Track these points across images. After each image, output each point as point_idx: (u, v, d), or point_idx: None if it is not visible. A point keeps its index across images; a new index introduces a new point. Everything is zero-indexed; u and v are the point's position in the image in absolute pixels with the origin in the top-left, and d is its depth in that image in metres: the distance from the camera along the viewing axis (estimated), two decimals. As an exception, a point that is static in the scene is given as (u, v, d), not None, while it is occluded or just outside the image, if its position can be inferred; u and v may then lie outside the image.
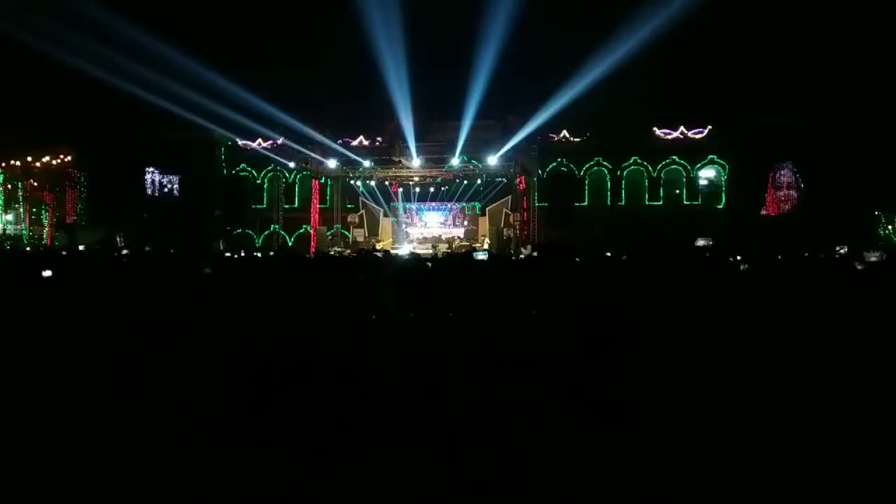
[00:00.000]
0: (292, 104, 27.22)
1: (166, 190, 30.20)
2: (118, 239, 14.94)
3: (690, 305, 3.62)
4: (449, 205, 30.16)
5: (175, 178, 30.24)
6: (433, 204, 30.28)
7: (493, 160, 26.57)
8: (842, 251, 16.50)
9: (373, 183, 29.60)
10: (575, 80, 23.69)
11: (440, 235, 29.41)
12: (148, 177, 29.69)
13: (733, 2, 25.20)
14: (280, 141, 29.82)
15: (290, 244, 29.90)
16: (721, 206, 28.68)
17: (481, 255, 8.98)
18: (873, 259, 12.43)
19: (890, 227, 25.92)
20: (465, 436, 2.87)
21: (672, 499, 2.54)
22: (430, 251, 22.98)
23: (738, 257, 10.67)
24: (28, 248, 25.42)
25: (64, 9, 20.95)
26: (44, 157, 31.81)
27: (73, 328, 3.71)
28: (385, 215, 30.74)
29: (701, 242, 23.27)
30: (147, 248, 19.40)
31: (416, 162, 27.00)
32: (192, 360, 3.65)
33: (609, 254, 11.84)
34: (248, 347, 3.80)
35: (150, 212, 29.24)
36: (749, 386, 3.07)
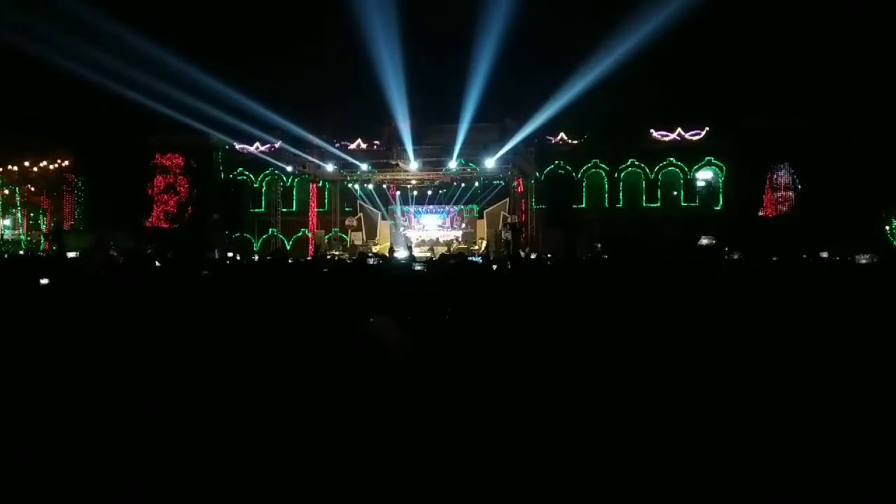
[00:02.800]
0: (290, 108, 27.31)
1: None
2: (111, 243, 14.88)
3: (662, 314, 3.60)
4: (447, 207, 30.07)
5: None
6: (431, 207, 30.21)
7: (490, 162, 26.45)
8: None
9: (370, 186, 29.54)
10: (572, 82, 23.68)
11: (438, 238, 29.35)
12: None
13: (730, 3, 25.20)
14: (277, 145, 29.81)
15: (288, 248, 29.88)
16: (719, 208, 28.67)
17: (475, 261, 8.92)
18: (864, 261, 12.30)
19: (888, 227, 25.91)
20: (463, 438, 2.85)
21: (672, 499, 2.53)
22: (428, 254, 22.96)
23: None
24: (22, 253, 25.38)
25: (60, 13, 20.96)
26: (41, 161, 31.83)
27: (50, 334, 3.70)
28: (383, 218, 30.72)
29: (704, 241, 23.20)
30: (149, 251, 19.40)
31: (413, 165, 26.92)
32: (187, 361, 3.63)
33: (605, 256, 11.79)
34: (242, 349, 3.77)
35: (148, 216, 29.27)
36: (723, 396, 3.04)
